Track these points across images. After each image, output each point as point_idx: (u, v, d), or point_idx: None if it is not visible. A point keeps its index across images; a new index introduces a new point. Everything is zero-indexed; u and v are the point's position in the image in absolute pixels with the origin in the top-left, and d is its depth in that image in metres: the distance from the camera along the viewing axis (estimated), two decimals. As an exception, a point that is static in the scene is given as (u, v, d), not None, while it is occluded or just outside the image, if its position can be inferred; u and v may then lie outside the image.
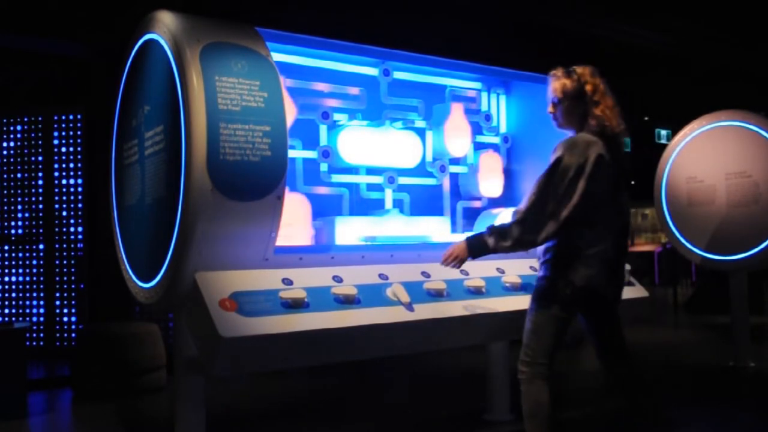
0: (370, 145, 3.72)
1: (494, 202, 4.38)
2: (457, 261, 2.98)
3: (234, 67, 2.86)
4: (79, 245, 6.85)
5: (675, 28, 7.77)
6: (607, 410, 4.52)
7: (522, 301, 3.45)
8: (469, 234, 3.05)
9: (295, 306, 2.85)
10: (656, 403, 3.19)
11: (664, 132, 13.97)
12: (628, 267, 3.13)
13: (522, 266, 3.70)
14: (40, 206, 6.89)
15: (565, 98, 3.02)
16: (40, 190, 6.89)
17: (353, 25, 5.97)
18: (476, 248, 2.95)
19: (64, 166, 6.91)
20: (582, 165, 2.84)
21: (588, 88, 2.98)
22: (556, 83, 3.05)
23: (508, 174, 4.46)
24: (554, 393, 2.94)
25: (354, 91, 3.82)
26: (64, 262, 6.86)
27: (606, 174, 2.89)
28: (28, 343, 4.95)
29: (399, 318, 3.08)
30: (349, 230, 3.55)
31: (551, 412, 2.92)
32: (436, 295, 3.27)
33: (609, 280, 2.96)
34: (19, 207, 6.91)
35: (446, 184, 4.16)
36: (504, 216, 4.17)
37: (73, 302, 6.84)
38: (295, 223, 3.32)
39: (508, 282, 3.56)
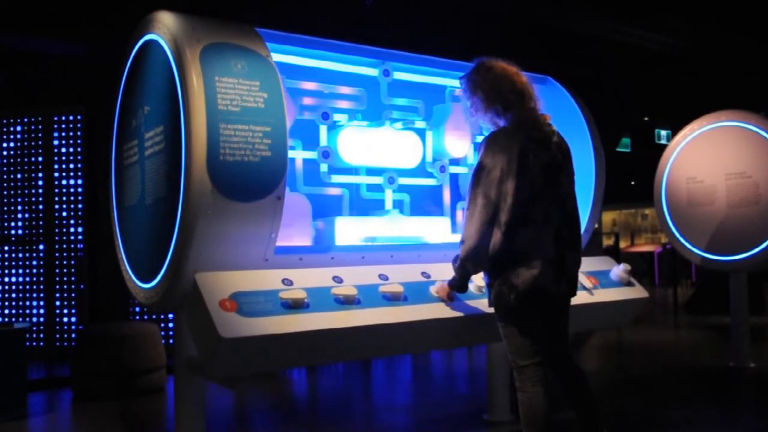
0: (370, 146, 3.72)
1: (494, 203, 4.37)
2: (444, 298, 3.14)
3: (234, 68, 2.86)
4: (79, 245, 6.85)
5: (675, 28, 7.77)
6: (607, 411, 4.52)
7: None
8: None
9: (295, 306, 2.85)
10: (600, 419, 3.04)
11: (664, 132, 13.96)
12: (577, 259, 2.96)
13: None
14: (40, 206, 6.89)
15: (471, 101, 2.97)
16: (40, 191, 6.89)
17: (353, 26, 5.98)
18: (455, 286, 3.02)
19: (64, 166, 6.91)
20: (506, 162, 2.74)
21: (483, 73, 2.93)
22: (463, 88, 3.02)
23: (508, 174, 4.45)
24: (550, 395, 2.92)
25: (354, 91, 3.82)
26: (64, 262, 6.86)
27: (535, 166, 2.78)
28: (28, 344, 4.95)
29: (399, 318, 3.08)
30: (349, 231, 3.54)
31: (549, 416, 2.85)
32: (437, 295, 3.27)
33: (557, 277, 2.82)
34: (19, 207, 6.91)
35: (446, 184, 4.16)
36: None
37: (73, 302, 6.84)
38: (295, 223, 3.32)
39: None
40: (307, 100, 3.63)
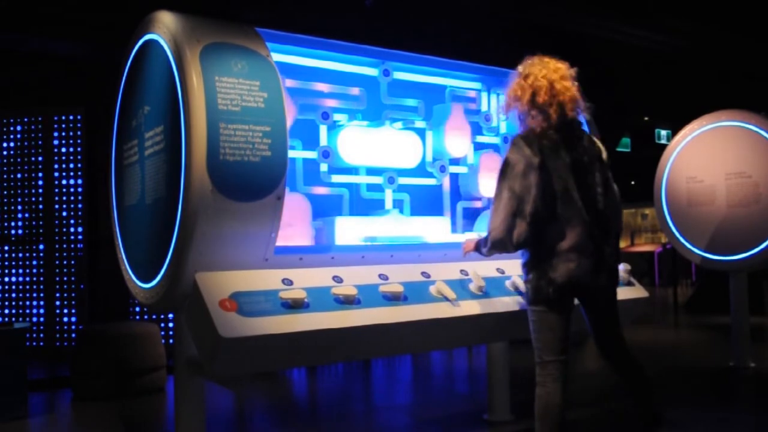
0: (370, 146, 3.72)
1: (494, 203, 4.37)
2: (468, 252, 3.24)
3: (234, 68, 2.86)
4: (79, 245, 6.85)
5: (675, 28, 7.77)
6: (608, 412, 4.52)
7: (521, 302, 3.46)
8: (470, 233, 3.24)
9: (295, 306, 2.85)
10: (657, 405, 3.19)
11: (664, 132, 13.95)
12: (615, 253, 3.07)
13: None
14: (40, 206, 6.89)
15: (512, 99, 3.08)
16: (40, 190, 6.89)
17: (353, 25, 5.98)
18: (477, 248, 3.17)
19: (64, 166, 6.91)
20: (528, 158, 2.87)
21: (518, 70, 3.06)
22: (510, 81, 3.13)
23: (508, 174, 4.46)
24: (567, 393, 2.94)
25: (354, 91, 3.82)
26: (64, 262, 6.86)
27: (560, 165, 2.91)
28: (28, 343, 4.95)
29: (399, 318, 3.08)
30: (349, 230, 3.54)
31: (562, 414, 2.91)
32: (438, 295, 3.27)
33: (594, 269, 2.93)
34: (19, 207, 6.91)
35: (446, 184, 4.16)
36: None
37: (73, 302, 6.84)
38: (295, 223, 3.32)
39: (508, 283, 3.57)
40: (307, 100, 3.63)
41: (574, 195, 2.91)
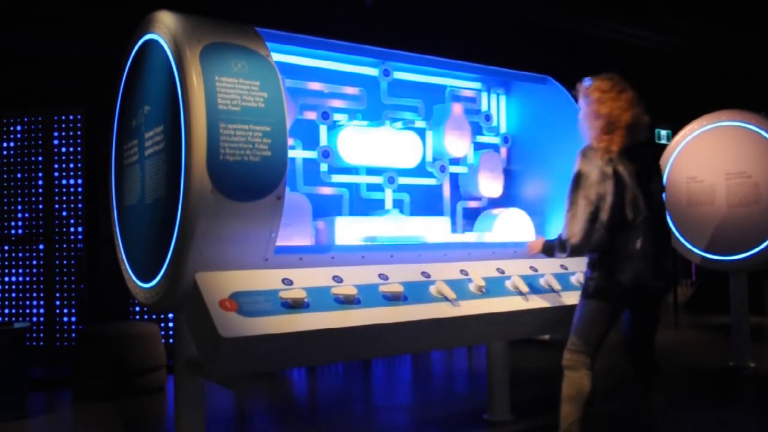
0: (370, 146, 3.72)
1: (494, 203, 4.38)
2: (534, 252, 3.44)
3: (234, 68, 2.86)
4: (79, 245, 6.85)
5: (675, 28, 7.77)
6: (609, 412, 4.52)
7: (521, 302, 3.46)
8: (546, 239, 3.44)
9: (295, 306, 2.85)
10: (662, 406, 3.27)
11: (664, 132, 13.95)
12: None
13: (522, 267, 3.69)
14: (40, 206, 6.89)
15: (581, 107, 3.29)
16: (40, 190, 6.89)
17: (353, 26, 5.98)
18: (548, 251, 3.35)
19: (64, 166, 6.91)
20: (602, 168, 3.08)
21: (594, 96, 3.21)
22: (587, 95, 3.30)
23: (508, 174, 4.46)
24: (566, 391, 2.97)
25: (354, 91, 3.82)
26: (64, 262, 6.86)
27: (626, 175, 3.10)
28: (28, 343, 4.95)
29: (399, 318, 3.08)
30: (349, 230, 3.54)
31: (590, 399, 3.12)
32: (438, 295, 3.27)
33: (655, 273, 3.14)
34: (19, 207, 6.91)
35: (446, 184, 4.16)
36: (504, 216, 4.17)
37: (73, 302, 6.84)
38: (295, 223, 3.32)
39: (508, 283, 3.57)
40: (308, 100, 3.63)
41: (640, 203, 3.12)
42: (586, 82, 3.31)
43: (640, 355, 3.36)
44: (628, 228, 3.10)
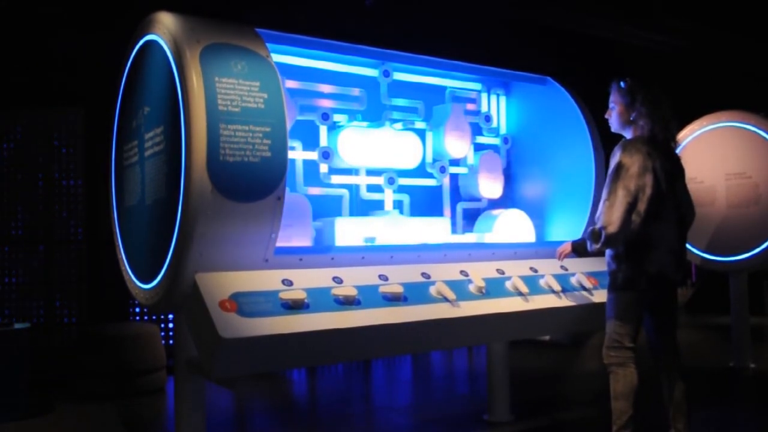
0: (370, 146, 3.72)
1: (494, 203, 4.38)
2: (565, 256, 3.52)
3: (234, 68, 2.86)
4: (79, 246, 6.84)
5: (675, 28, 7.76)
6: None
7: (521, 303, 3.46)
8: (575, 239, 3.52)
9: (295, 307, 2.85)
10: (687, 397, 3.37)
11: (664, 132, 13.93)
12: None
13: (522, 268, 3.70)
14: (40, 206, 6.89)
15: (617, 105, 3.39)
16: (40, 191, 6.89)
17: (353, 26, 5.98)
18: (579, 248, 3.44)
19: (64, 166, 6.91)
20: (642, 161, 3.18)
21: (637, 97, 3.34)
22: (613, 92, 3.41)
23: (508, 175, 4.46)
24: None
25: (354, 92, 3.82)
26: (64, 262, 6.86)
27: (659, 170, 3.23)
28: (28, 343, 4.95)
29: (399, 319, 3.08)
30: (349, 231, 3.55)
31: (637, 394, 3.22)
32: (437, 296, 3.27)
33: (677, 267, 3.28)
34: (19, 207, 6.90)
35: (446, 184, 4.16)
36: (504, 217, 4.17)
37: (73, 302, 6.83)
38: (295, 223, 3.32)
39: (508, 283, 3.57)
40: (308, 101, 3.63)
41: (667, 198, 3.26)
42: (625, 80, 3.41)
43: (664, 350, 3.43)
44: (659, 222, 3.21)
